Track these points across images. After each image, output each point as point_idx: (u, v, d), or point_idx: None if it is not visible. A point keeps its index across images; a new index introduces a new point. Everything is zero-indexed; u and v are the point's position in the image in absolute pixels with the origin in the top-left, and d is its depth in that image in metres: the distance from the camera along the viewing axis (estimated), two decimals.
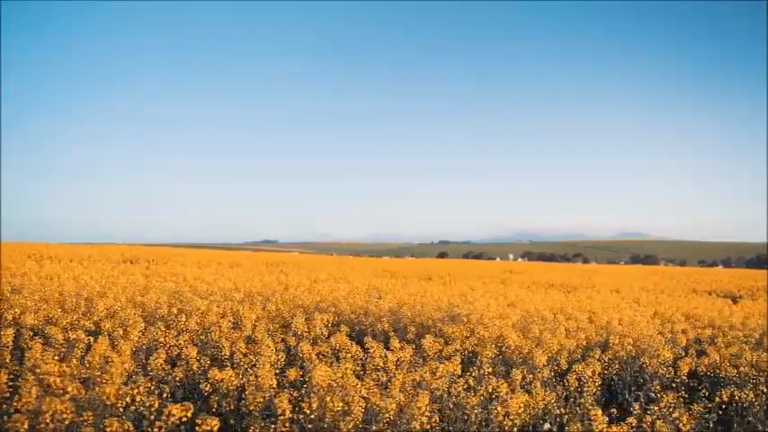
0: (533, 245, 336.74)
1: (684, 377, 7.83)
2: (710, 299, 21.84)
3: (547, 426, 6.23)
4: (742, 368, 7.85)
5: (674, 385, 7.68)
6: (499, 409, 5.11)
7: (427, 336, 7.71)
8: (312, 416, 4.77)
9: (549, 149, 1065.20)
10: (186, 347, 6.30)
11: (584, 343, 8.53)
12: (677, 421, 5.82)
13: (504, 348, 7.61)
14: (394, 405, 4.76)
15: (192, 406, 4.28)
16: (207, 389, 5.50)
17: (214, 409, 5.33)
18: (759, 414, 6.86)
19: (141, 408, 4.55)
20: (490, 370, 6.29)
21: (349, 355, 6.57)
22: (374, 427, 4.81)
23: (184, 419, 4.20)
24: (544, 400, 5.78)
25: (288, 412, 4.63)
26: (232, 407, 5.39)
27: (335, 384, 5.14)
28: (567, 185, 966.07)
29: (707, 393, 6.91)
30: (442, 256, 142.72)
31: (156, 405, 4.47)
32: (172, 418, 4.16)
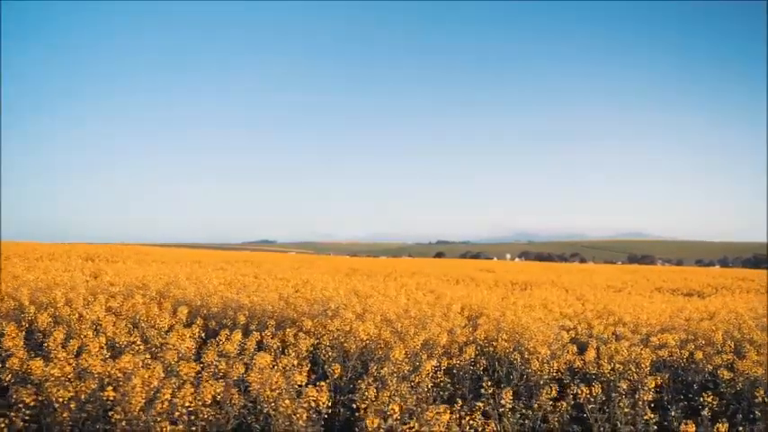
0: (531, 245, 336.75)
1: (555, 373, 7.61)
2: (666, 296, 21.68)
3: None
4: (617, 364, 7.64)
5: (541, 381, 7.46)
6: (287, 402, 4.88)
7: (288, 330, 7.49)
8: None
9: (550, 150, 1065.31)
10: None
11: (462, 339, 8.30)
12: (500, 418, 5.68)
13: (366, 343, 7.38)
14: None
15: None
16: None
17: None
18: (617, 413, 6.59)
19: None
20: (295, 362, 6.04)
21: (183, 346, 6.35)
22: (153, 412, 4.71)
23: None
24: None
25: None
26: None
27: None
28: (566, 186, 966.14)
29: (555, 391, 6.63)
30: (439, 255, 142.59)
31: None
32: None
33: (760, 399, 6.74)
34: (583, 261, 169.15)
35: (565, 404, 6.63)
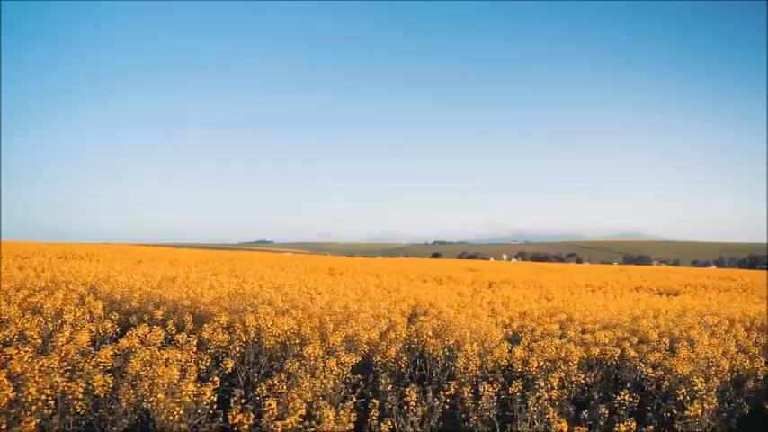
0: (528, 245, 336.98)
1: (481, 371, 7.39)
2: (639, 295, 21.51)
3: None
4: (546, 362, 7.43)
5: (463, 379, 7.24)
6: (161, 396, 4.67)
7: (206, 326, 7.26)
8: None
9: (548, 151, 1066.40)
10: None
11: (393, 336, 8.07)
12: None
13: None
14: None
15: None
16: None
17: None
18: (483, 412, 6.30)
19: None
20: (190, 357, 5.83)
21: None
22: None
23: None
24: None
25: None
26: None
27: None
28: (564, 186, 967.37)
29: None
30: (436, 256, 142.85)
31: None
32: None
33: (681, 397, 6.53)
34: (579, 261, 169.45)
35: (484, 401, 6.43)
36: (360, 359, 7.56)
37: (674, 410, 6.34)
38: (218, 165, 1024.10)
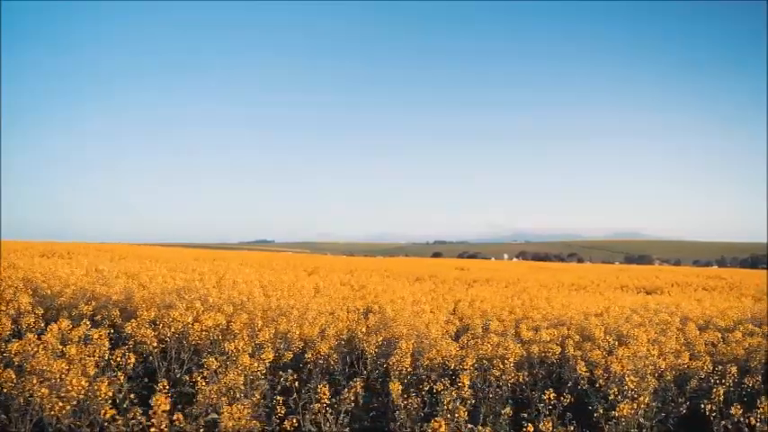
0: (529, 245, 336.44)
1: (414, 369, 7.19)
2: (618, 293, 21.40)
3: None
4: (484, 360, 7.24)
5: (393, 376, 7.05)
6: (44, 391, 4.50)
7: (133, 321, 7.08)
8: None
9: (548, 151, 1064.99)
10: None
11: (333, 332, 7.87)
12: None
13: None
14: None
15: None
16: None
17: None
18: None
19: None
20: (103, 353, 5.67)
21: None
22: None
23: None
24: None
25: None
26: None
27: None
28: (564, 186, 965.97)
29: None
30: (437, 256, 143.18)
31: None
32: None
33: (612, 396, 6.33)
34: (580, 261, 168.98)
35: (415, 400, 6.24)
36: (292, 356, 7.44)
37: (600, 410, 6.13)
38: (218, 165, 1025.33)
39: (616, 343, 7.95)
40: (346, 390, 5.72)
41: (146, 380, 6.71)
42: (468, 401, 6.28)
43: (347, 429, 6.26)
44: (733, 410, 5.90)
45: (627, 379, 6.36)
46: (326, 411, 5.70)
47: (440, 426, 4.32)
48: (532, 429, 4.96)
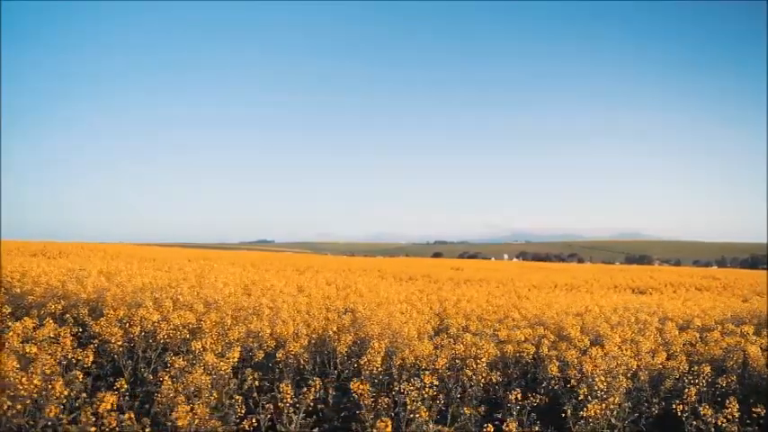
0: (530, 245, 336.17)
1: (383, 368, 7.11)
2: (608, 293, 21.34)
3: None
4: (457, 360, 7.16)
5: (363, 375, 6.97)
6: None
7: (102, 319, 7.01)
8: None
9: (549, 151, 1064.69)
10: None
11: (306, 331, 7.80)
12: None
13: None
14: None
15: None
16: None
17: None
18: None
19: None
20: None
21: None
22: None
23: None
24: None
25: None
26: None
27: None
28: (565, 187, 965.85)
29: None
30: (437, 256, 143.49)
31: None
32: None
33: (582, 396, 6.25)
34: (581, 261, 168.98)
35: (385, 399, 6.17)
36: (264, 355, 7.37)
37: (569, 411, 6.05)
38: (218, 165, 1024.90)
39: (590, 343, 7.87)
40: (305, 389, 5.63)
41: (111, 379, 6.63)
42: (439, 402, 6.25)
43: (316, 429, 6.21)
44: (702, 410, 5.84)
45: (597, 379, 6.27)
46: (289, 411, 5.63)
47: (386, 426, 4.23)
48: (492, 430, 4.90)
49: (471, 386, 7.01)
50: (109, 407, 4.51)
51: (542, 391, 7.35)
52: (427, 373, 5.93)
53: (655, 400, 7.11)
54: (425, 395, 5.57)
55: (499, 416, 6.87)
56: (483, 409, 7.05)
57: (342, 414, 7.25)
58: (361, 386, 5.50)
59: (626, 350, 7.29)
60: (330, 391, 7.18)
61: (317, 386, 5.64)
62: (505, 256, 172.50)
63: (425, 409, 5.32)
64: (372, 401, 6.23)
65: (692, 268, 53.64)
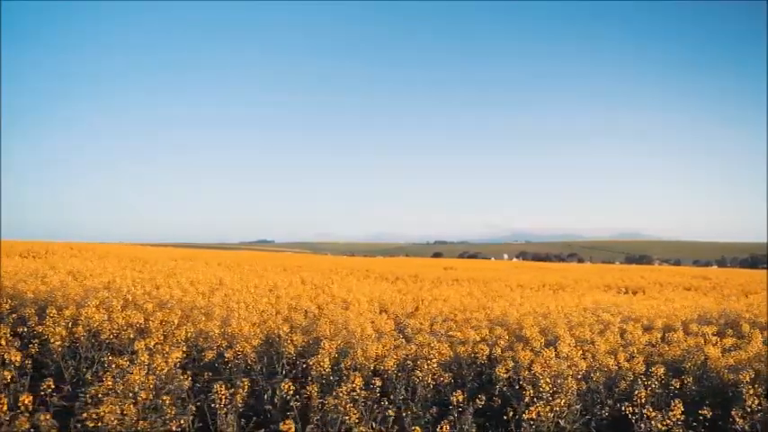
0: (530, 245, 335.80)
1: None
2: (596, 292, 21.25)
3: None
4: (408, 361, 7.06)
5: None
6: None
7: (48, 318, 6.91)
8: None
9: (549, 151, 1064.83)
10: None
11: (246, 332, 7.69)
12: None
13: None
14: None
15: None
16: None
17: None
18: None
19: None
20: None
21: None
22: None
23: None
24: None
25: None
26: None
27: None
28: (565, 186, 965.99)
29: None
30: (437, 256, 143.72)
31: None
32: None
33: (528, 399, 6.16)
34: (581, 261, 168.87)
35: (331, 399, 6.08)
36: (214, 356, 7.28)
37: (511, 413, 5.96)
38: (218, 165, 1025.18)
39: (546, 344, 7.77)
40: (233, 389, 5.54)
41: (49, 379, 6.53)
42: (384, 403, 6.16)
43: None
44: (646, 412, 5.76)
45: (542, 381, 6.18)
46: (222, 411, 5.55)
47: (289, 428, 4.15)
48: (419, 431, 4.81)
49: (421, 387, 6.91)
50: (23, 408, 4.43)
51: (496, 393, 7.28)
52: (356, 373, 5.82)
53: (609, 402, 7.02)
54: (357, 396, 5.47)
55: (452, 417, 6.79)
56: (435, 410, 6.97)
57: (289, 414, 7.16)
58: (288, 387, 5.39)
59: (578, 351, 7.19)
60: (278, 392, 7.08)
61: (245, 386, 5.53)
62: (505, 256, 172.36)
63: (356, 411, 5.22)
64: (320, 403, 6.17)
65: (685, 268, 53.47)
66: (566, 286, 25.49)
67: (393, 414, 5.83)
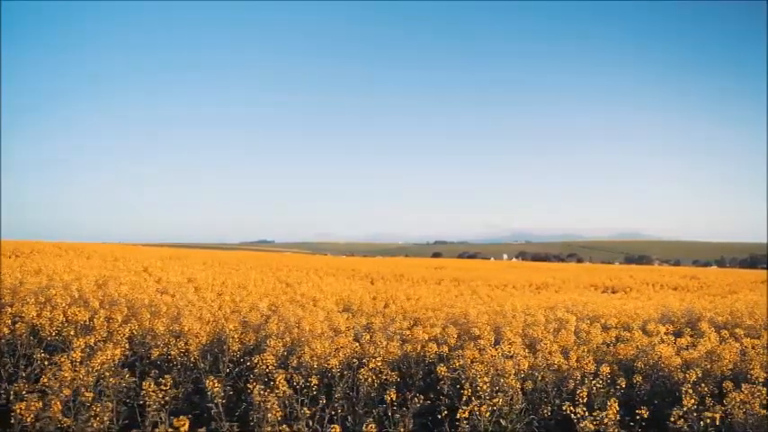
0: (530, 245, 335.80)
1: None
2: (579, 291, 21.24)
3: None
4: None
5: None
6: None
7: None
8: None
9: (548, 151, 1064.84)
10: None
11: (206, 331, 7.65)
12: None
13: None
14: None
15: None
16: None
17: None
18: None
19: None
20: None
21: None
22: None
23: None
24: None
25: None
26: None
27: None
28: (564, 186, 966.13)
29: None
30: (437, 256, 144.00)
31: None
32: None
33: (466, 397, 6.11)
34: (580, 261, 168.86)
35: (274, 399, 6.04)
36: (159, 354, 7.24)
37: (444, 412, 5.92)
38: (218, 165, 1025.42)
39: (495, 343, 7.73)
40: (170, 388, 5.51)
41: None
42: (321, 401, 6.11)
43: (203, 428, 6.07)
44: (579, 411, 5.73)
45: (479, 380, 6.14)
46: (152, 409, 5.51)
47: (183, 424, 4.11)
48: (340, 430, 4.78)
49: (365, 386, 6.87)
50: None
51: (445, 392, 7.23)
52: (279, 372, 5.79)
53: (557, 401, 6.97)
54: (279, 395, 5.44)
55: (398, 416, 6.75)
56: (380, 409, 6.93)
57: (236, 413, 7.12)
58: (214, 384, 5.37)
59: (524, 350, 7.15)
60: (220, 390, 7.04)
61: (169, 383, 5.49)
62: (505, 257, 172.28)
63: (278, 410, 5.19)
64: (261, 401, 6.13)
65: (678, 268, 53.37)
66: (550, 285, 25.52)
67: (322, 412, 5.79)
